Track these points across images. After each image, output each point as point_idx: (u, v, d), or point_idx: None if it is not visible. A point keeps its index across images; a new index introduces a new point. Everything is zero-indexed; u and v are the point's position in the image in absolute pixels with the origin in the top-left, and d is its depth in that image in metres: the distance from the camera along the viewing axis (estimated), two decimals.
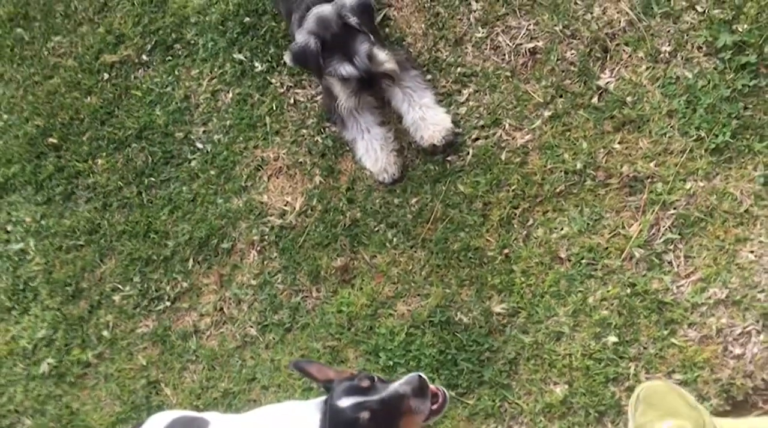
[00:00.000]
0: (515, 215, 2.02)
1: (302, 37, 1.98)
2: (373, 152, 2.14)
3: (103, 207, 2.46)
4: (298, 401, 1.75)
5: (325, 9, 2.00)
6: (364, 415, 1.45)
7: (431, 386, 1.52)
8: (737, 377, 1.73)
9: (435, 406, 1.52)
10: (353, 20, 1.94)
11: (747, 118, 1.85)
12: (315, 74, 2.10)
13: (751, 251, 1.79)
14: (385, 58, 2.00)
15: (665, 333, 1.80)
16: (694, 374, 1.75)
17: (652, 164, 1.92)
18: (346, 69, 1.96)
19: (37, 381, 2.37)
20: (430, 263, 2.08)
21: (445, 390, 1.55)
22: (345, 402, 1.47)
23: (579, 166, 1.98)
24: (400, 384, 1.49)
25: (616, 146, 1.96)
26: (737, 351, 1.74)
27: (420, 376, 1.50)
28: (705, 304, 1.79)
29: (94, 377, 2.32)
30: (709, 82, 1.90)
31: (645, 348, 1.81)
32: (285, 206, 2.28)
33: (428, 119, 2.09)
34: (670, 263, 1.85)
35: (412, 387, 1.48)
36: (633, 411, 1.63)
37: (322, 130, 2.29)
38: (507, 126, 2.08)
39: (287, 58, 2.07)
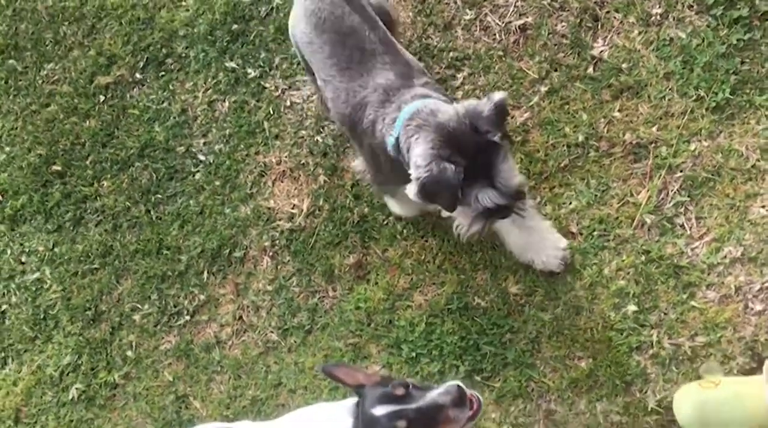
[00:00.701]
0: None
1: (427, 160, 1.54)
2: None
3: (113, 229, 2.50)
4: (328, 403, 1.78)
5: (443, 114, 1.59)
6: (401, 424, 1.46)
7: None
8: (761, 333, 1.74)
9: (470, 413, 1.52)
10: (495, 136, 1.55)
11: (745, 72, 1.86)
12: (441, 204, 1.66)
13: (762, 206, 1.80)
14: (521, 177, 1.65)
15: (684, 296, 1.82)
16: (717, 335, 1.77)
17: (654, 129, 1.93)
18: (491, 198, 1.58)
19: (68, 407, 2.42)
20: (443, 250, 2.11)
21: (479, 396, 1.56)
22: (380, 411, 1.47)
23: (581, 138, 1.99)
24: (439, 394, 1.49)
25: (616, 114, 1.98)
26: (758, 307, 1.75)
27: (459, 386, 1.50)
28: (721, 264, 1.80)
29: (123, 397, 2.37)
30: (703, 41, 1.91)
31: (665, 314, 1.83)
32: (292, 209, 2.31)
33: (543, 243, 1.91)
34: (682, 226, 1.87)
35: (452, 398, 1.48)
36: None
37: (321, 129, 2.32)
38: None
39: (412, 192, 1.60)
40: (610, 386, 1.84)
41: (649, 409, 1.79)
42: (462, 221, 1.69)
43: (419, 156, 1.57)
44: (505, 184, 1.57)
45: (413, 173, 1.57)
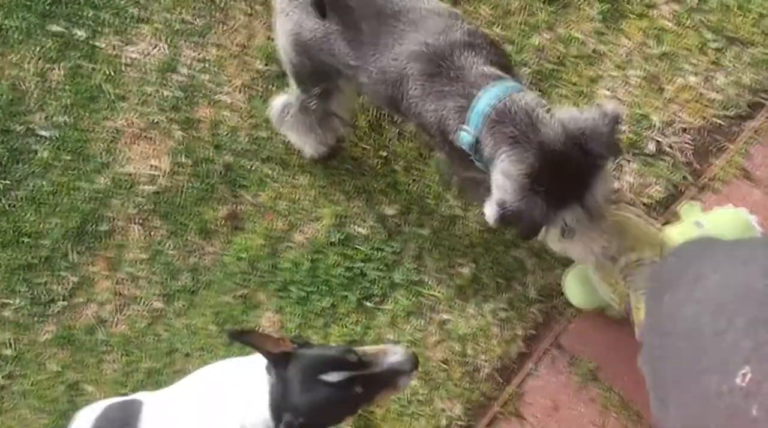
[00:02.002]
0: (383, 115, 2.08)
1: (517, 193, 1.35)
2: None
3: None
4: (234, 359, 1.77)
5: (546, 128, 1.36)
6: (358, 389, 1.46)
7: None
8: (620, 207, 1.87)
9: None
10: (609, 162, 1.41)
11: None
12: (519, 231, 1.49)
13: (606, 88, 1.92)
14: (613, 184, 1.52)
15: None
16: None
17: (497, 29, 2.00)
18: (578, 218, 1.41)
19: None
20: (314, 186, 2.13)
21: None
22: (334, 377, 1.45)
23: None
24: (399, 362, 1.50)
25: None
26: (615, 184, 1.88)
27: (414, 353, 1.53)
28: None
29: (10, 398, 2.29)
30: None
31: None
32: (153, 170, 2.25)
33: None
34: None
35: (410, 366, 1.50)
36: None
37: (167, 82, 2.26)
38: None
39: (490, 215, 1.42)
40: (494, 285, 1.95)
41: (532, 299, 1.91)
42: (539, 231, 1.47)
43: (509, 180, 1.36)
44: (595, 203, 1.41)
45: (495, 192, 1.39)
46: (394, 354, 1.51)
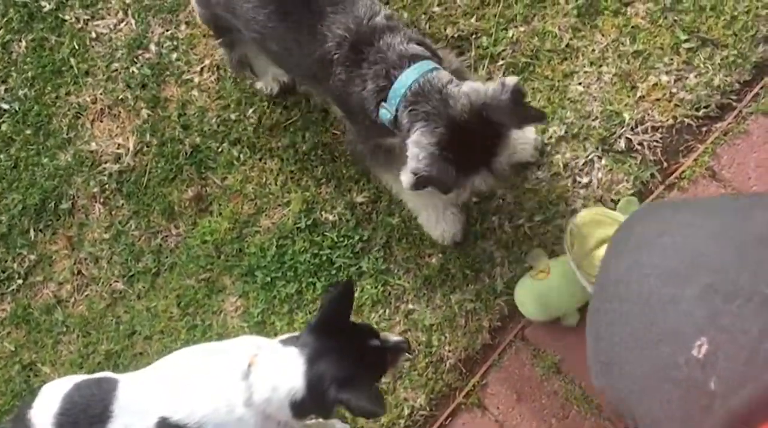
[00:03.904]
0: None
1: (429, 160, 1.49)
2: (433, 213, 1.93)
3: None
4: (231, 341, 1.75)
5: (455, 102, 1.51)
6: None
7: None
8: (589, 204, 1.90)
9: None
10: (509, 130, 1.54)
11: None
12: (438, 188, 1.59)
13: (580, 83, 1.93)
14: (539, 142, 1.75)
15: (518, 180, 1.95)
16: (552, 211, 1.92)
17: (473, 20, 2.01)
18: (487, 182, 1.59)
19: None
20: (283, 170, 2.12)
21: None
22: (376, 342, 1.56)
23: None
24: (400, 341, 1.62)
25: (436, 9, 2.03)
26: (584, 180, 1.91)
27: (407, 339, 1.67)
28: (548, 144, 1.94)
29: None
30: None
31: (503, 200, 1.96)
32: (118, 149, 2.22)
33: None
34: None
35: (407, 347, 1.64)
36: (570, 248, 1.77)
37: (135, 59, 2.23)
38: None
39: (405, 181, 1.53)
40: (461, 276, 1.96)
41: (499, 291, 1.92)
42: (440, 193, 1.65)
43: (421, 150, 1.50)
44: (502, 169, 1.57)
45: (410, 162, 1.52)
46: (394, 337, 1.64)
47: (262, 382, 1.51)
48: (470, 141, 1.51)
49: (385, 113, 1.59)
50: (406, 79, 1.55)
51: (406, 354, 1.67)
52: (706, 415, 0.89)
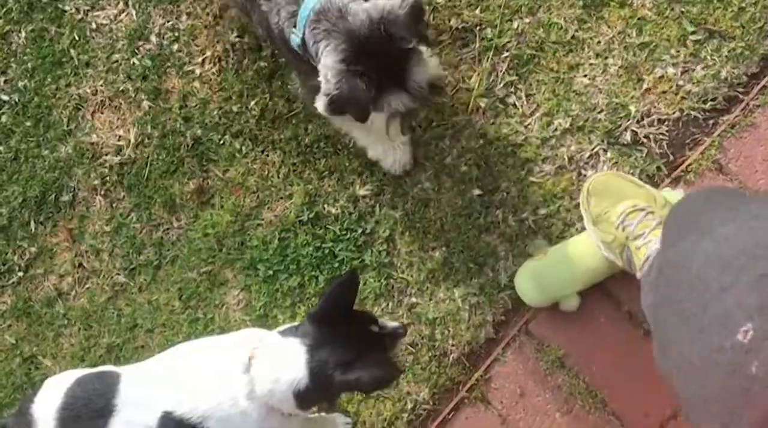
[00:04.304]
0: None
1: (336, 77, 1.51)
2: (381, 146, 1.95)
3: None
4: (232, 334, 1.72)
5: (354, 18, 1.52)
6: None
7: None
8: None
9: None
10: (409, 43, 1.51)
11: None
12: (352, 116, 1.61)
13: (585, 75, 1.92)
14: (440, 72, 1.69)
15: (523, 173, 1.93)
16: (556, 205, 1.91)
17: (477, 11, 1.99)
18: (404, 103, 1.58)
19: None
20: (286, 163, 2.10)
21: None
22: (376, 328, 1.57)
23: None
24: (395, 326, 1.62)
25: (440, 0, 2.01)
26: (590, 173, 1.90)
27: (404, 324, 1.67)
28: (553, 137, 1.92)
29: None
30: None
31: (508, 193, 1.94)
32: (118, 141, 2.21)
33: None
34: (514, 105, 1.96)
35: (404, 332, 1.63)
36: (586, 207, 1.79)
37: (136, 50, 2.21)
38: None
39: (321, 106, 1.57)
40: (465, 270, 1.95)
41: (503, 285, 1.92)
42: (377, 126, 1.69)
43: (329, 70, 1.52)
44: (417, 87, 1.56)
45: (322, 86, 1.54)
46: (392, 323, 1.63)
47: (264, 374, 1.50)
48: (378, 58, 1.51)
49: (294, 38, 1.60)
50: (312, 2, 1.56)
51: (400, 339, 1.66)
52: (746, 399, 0.92)
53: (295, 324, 1.60)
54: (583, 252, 1.81)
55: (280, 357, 1.51)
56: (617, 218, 1.68)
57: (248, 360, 1.53)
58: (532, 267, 1.84)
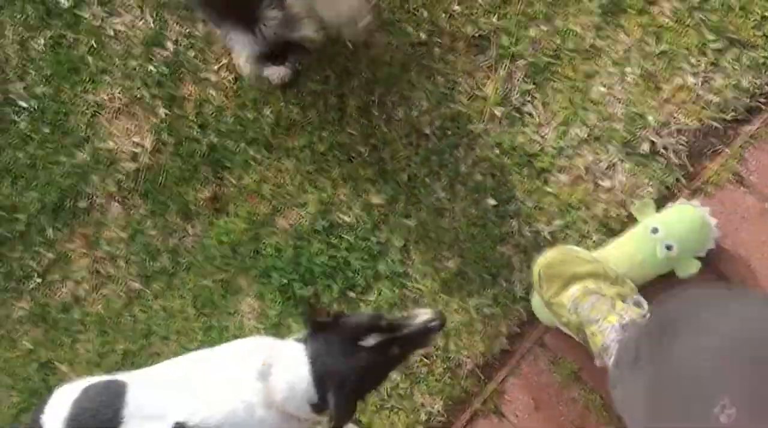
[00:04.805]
0: (372, 101, 2.05)
1: None
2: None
3: None
4: (251, 340, 1.73)
5: None
6: (395, 350, 1.52)
7: None
8: (611, 208, 1.87)
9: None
10: None
11: None
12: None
13: (602, 84, 1.89)
14: (303, 25, 1.63)
15: (538, 183, 1.91)
16: (572, 216, 1.88)
17: (494, 19, 1.97)
18: (245, 45, 1.59)
19: None
20: (300, 171, 2.10)
21: None
22: (371, 341, 1.50)
23: (423, 36, 2.01)
24: (430, 320, 1.55)
25: (456, 7, 2.00)
26: (607, 184, 1.87)
27: (442, 312, 1.58)
28: (569, 146, 1.90)
29: None
30: None
31: (523, 203, 1.92)
32: (135, 147, 2.21)
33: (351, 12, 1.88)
34: (530, 114, 1.94)
35: (439, 322, 1.55)
36: (539, 289, 1.78)
37: (152, 57, 2.21)
38: None
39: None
40: (479, 281, 1.93)
41: (518, 297, 1.90)
42: (234, 55, 1.66)
43: None
44: (269, 32, 1.53)
45: None
46: (425, 314, 1.56)
47: (279, 382, 1.50)
48: None
49: None
50: None
51: (438, 331, 1.59)
52: None
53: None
54: None
55: (293, 365, 1.51)
56: (569, 302, 1.67)
57: (262, 367, 1.53)
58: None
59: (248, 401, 1.52)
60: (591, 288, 1.66)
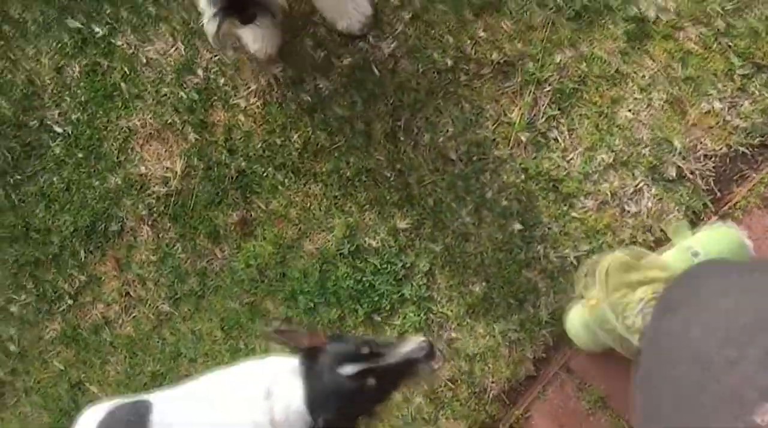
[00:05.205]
0: (399, 127, 2.07)
1: None
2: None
3: None
4: (259, 361, 1.74)
5: None
6: (371, 382, 1.46)
7: None
8: (638, 234, 1.86)
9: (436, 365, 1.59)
10: None
11: None
12: None
13: (629, 110, 1.89)
14: None
15: (565, 208, 1.91)
16: (599, 241, 1.88)
17: (519, 45, 1.98)
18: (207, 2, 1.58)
19: None
20: (327, 195, 2.12)
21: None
22: (347, 370, 1.46)
23: (450, 62, 2.02)
24: (412, 350, 1.49)
25: (481, 33, 2.01)
26: (633, 209, 1.86)
27: (430, 341, 1.52)
28: (596, 172, 1.90)
29: (12, 394, 2.31)
30: None
31: (549, 228, 1.92)
32: (166, 172, 2.26)
33: (348, 6, 1.98)
34: (556, 139, 1.94)
35: (425, 353, 1.49)
36: (604, 287, 1.70)
37: (183, 84, 2.26)
38: (370, 38, 2.10)
39: None
40: (505, 306, 1.93)
41: (544, 322, 1.89)
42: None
43: None
44: None
45: None
46: (411, 344, 1.51)
47: (278, 403, 1.50)
48: None
49: None
50: None
51: (424, 363, 1.51)
52: None
53: None
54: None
55: (289, 387, 1.51)
56: (637, 304, 1.63)
57: (267, 387, 1.54)
58: (583, 315, 1.80)
59: (258, 420, 1.53)
60: (661, 291, 1.63)
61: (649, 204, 1.85)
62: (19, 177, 2.36)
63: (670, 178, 1.84)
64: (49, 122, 2.36)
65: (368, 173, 2.08)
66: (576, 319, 1.81)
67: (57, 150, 2.34)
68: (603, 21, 1.92)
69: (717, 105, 1.83)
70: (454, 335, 1.97)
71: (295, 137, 2.15)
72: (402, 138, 2.06)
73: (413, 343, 1.51)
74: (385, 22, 2.09)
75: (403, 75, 2.07)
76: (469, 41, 2.02)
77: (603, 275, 1.72)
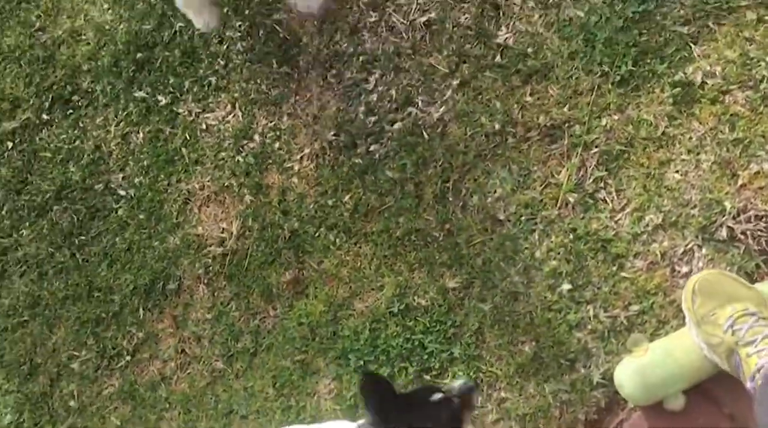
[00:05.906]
0: (448, 188, 2.11)
1: None
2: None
3: (39, 277, 2.48)
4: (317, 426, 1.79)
5: None
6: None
7: None
8: None
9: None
10: None
11: (643, 43, 1.96)
12: None
13: (677, 171, 1.90)
14: None
15: (614, 268, 1.91)
16: (650, 301, 1.86)
17: (565, 109, 2.02)
18: None
19: None
20: (377, 255, 2.16)
21: None
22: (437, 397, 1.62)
23: (497, 126, 2.07)
24: (462, 384, 1.69)
25: (528, 98, 2.06)
26: (684, 269, 1.85)
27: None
28: (645, 232, 1.89)
29: None
30: (601, 17, 2.00)
31: (599, 288, 1.91)
32: (222, 233, 2.33)
33: None
34: (604, 200, 1.95)
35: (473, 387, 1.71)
36: (690, 305, 1.73)
37: (240, 148, 2.35)
38: (420, 103, 2.16)
39: None
40: (555, 366, 1.91)
41: (595, 383, 1.86)
42: None
43: None
44: None
45: None
46: (458, 381, 1.71)
47: None
48: None
49: None
50: None
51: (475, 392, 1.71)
52: None
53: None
54: (688, 348, 1.74)
55: None
56: (725, 321, 1.62)
57: None
58: (634, 364, 1.78)
59: None
60: (751, 310, 1.62)
61: (701, 264, 1.83)
62: (83, 238, 2.46)
63: (722, 239, 1.83)
64: (113, 186, 2.47)
65: (418, 233, 2.12)
66: (625, 370, 1.79)
67: (120, 212, 2.44)
68: (649, 86, 1.94)
69: (766, 166, 1.82)
70: (504, 394, 1.96)
71: (347, 198, 2.20)
72: (451, 199, 2.10)
73: (459, 380, 1.68)
74: (434, 88, 2.15)
75: (451, 138, 2.12)
76: (516, 106, 2.06)
77: (690, 292, 1.72)
